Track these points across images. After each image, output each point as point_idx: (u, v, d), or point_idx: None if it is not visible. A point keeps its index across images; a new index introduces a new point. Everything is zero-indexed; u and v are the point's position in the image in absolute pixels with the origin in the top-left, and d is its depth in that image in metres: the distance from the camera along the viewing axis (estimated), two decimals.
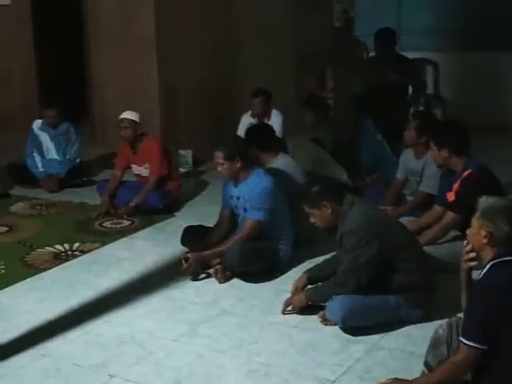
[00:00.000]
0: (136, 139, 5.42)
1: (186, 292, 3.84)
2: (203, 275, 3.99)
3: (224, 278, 3.94)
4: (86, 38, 7.43)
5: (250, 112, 6.30)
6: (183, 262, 3.95)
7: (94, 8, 7.17)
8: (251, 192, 4.02)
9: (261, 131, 4.81)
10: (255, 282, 3.91)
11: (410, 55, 6.75)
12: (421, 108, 6.77)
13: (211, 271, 4.00)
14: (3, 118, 7.45)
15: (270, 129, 4.96)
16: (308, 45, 7.39)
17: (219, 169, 4.11)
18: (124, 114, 5.42)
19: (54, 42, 8.04)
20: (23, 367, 3.00)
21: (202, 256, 3.99)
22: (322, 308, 3.40)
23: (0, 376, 2.94)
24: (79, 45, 7.68)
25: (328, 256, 3.83)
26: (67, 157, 6.35)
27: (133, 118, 5.38)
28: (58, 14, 8.06)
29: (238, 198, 4.13)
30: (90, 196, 5.84)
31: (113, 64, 7.19)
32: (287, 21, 7.95)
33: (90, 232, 4.96)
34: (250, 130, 4.84)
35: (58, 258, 4.43)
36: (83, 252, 4.54)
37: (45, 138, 6.33)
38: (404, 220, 4.15)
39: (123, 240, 4.80)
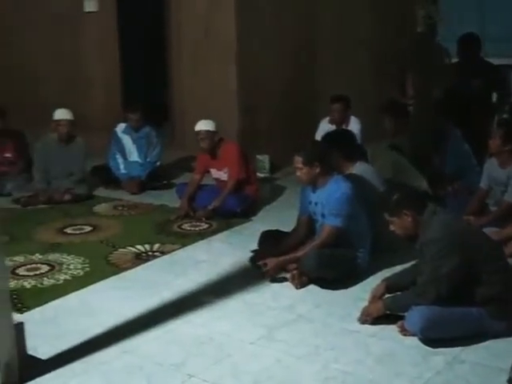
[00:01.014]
0: (214, 145, 5.51)
1: (263, 296, 3.87)
2: (282, 279, 4.02)
3: (300, 284, 3.95)
4: (169, 45, 7.62)
5: (328, 118, 6.29)
6: (262, 266, 3.99)
7: (177, 16, 7.34)
8: (329, 198, 4.02)
9: (344, 137, 4.79)
10: (332, 288, 3.90)
11: (495, 61, 6.57)
12: (505, 116, 6.56)
13: (288, 276, 4.01)
14: (88, 121, 7.71)
15: (353, 135, 4.93)
16: (388, 49, 7.31)
17: (298, 173, 4.11)
18: (199, 125, 5.48)
19: (137, 48, 8.28)
20: (106, 363, 3.10)
21: (279, 261, 4.01)
22: (400, 318, 3.35)
23: (84, 371, 3.05)
24: (162, 51, 7.88)
25: (407, 265, 3.78)
26: (148, 159, 6.53)
27: (208, 129, 5.45)
28: (143, 21, 8.29)
29: (315, 204, 4.13)
30: (169, 198, 5.99)
31: (193, 69, 7.33)
32: (367, 24, 7.88)
33: (170, 233, 5.08)
34: (332, 136, 4.81)
35: (139, 258, 4.56)
36: (163, 253, 4.65)
37: (127, 141, 6.54)
38: (487, 230, 4.03)
39: (201, 242, 4.89)
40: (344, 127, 5.98)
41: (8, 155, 6.32)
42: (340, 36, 7.67)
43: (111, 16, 7.69)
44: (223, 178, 5.56)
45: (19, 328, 3.00)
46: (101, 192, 6.40)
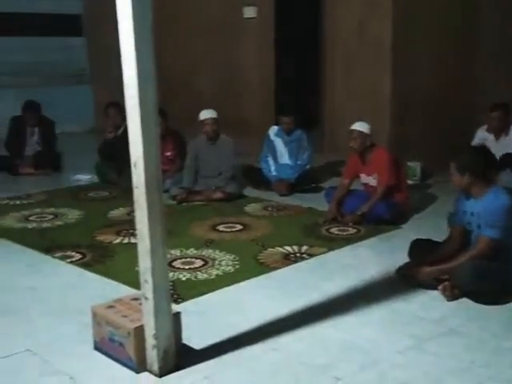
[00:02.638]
0: (365, 150, 5.48)
1: (411, 306, 3.79)
2: (434, 286, 3.92)
3: (452, 296, 3.83)
4: (323, 48, 7.68)
5: (485, 126, 6.04)
6: (414, 273, 3.93)
7: (331, 19, 7.38)
8: (487, 208, 3.85)
9: None
10: (486, 303, 3.74)
11: None
12: None
13: (439, 288, 3.90)
14: (243, 122, 7.97)
15: None
16: None
17: (453, 178, 4.01)
18: (355, 125, 5.50)
19: (291, 52, 8.43)
20: (256, 359, 3.19)
21: (432, 271, 3.92)
22: None
23: (235, 364, 3.15)
24: (315, 55, 7.96)
25: None
26: (298, 162, 6.63)
27: (362, 130, 5.43)
28: (298, 25, 8.43)
29: (471, 214, 3.98)
30: (317, 202, 6.04)
31: (346, 73, 7.35)
32: None
33: (318, 237, 5.12)
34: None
35: (288, 259, 4.63)
36: (311, 255, 4.70)
37: (279, 144, 6.68)
38: None
39: (349, 247, 4.89)
40: (503, 136, 5.71)
41: (168, 154, 6.69)
42: (507, 35, 7.30)
43: (269, 21, 7.88)
44: (372, 184, 5.51)
45: (177, 317, 3.18)
46: (250, 192, 6.61)
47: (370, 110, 6.88)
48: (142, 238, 3.02)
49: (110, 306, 3.31)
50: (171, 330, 3.09)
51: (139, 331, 3.06)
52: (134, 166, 2.97)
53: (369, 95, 7.09)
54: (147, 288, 3.02)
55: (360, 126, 5.43)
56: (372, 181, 5.49)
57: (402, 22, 6.77)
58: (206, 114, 6.41)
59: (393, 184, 5.40)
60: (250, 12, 7.83)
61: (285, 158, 6.67)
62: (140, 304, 3.25)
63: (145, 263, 3.02)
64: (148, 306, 3.03)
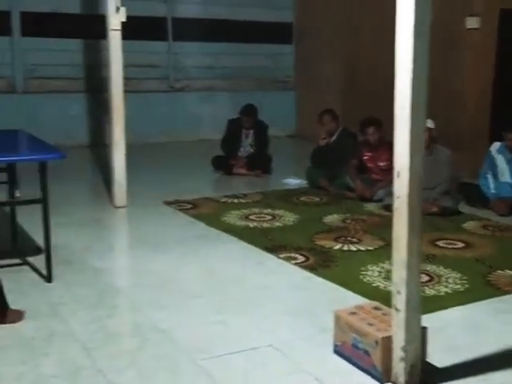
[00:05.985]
0: None
1: None
2: None
3: None
4: None
5: None
6: None
7: None
8: None
9: None
10: None
11: None
12: None
13: None
14: (453, 135, 7.70)
15: None
16: None
17: None
18: None
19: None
20: None
21: None
22: None
23: None
24: None
25: None
26: None
27: None
28: None
29: None
30: None
31: None
32: None
33: None
34: None
35: None
36: None
37: (501, 161, 6.36)
38: None
39: None
40: None
41: (381, 164, 6.65)
42: None
43: (492, 34, 7.54)
44: None
45: (424, 332, 3.11)
46: (464, 208, 6.35)
47: None
48: (397, 249, 3.01)
49: (353, 313, 3.32)
50: (420, 345, 3.03)
51: (387, 341, 3.04)
52: (398, 175, 2.95)
53: None
54: (399, 299, 2.99)
55: None
56: None
57: None
58: None
59: None
60: (472, 23, 7.53)
61: (506, 175, 6.34)
62: (383, 314, 3.25)
63: (399, 274, 2.99)
64: (399, 318, 3.00)
